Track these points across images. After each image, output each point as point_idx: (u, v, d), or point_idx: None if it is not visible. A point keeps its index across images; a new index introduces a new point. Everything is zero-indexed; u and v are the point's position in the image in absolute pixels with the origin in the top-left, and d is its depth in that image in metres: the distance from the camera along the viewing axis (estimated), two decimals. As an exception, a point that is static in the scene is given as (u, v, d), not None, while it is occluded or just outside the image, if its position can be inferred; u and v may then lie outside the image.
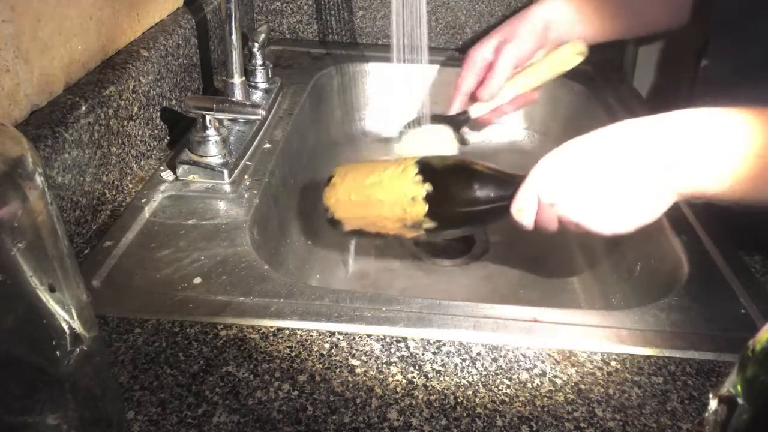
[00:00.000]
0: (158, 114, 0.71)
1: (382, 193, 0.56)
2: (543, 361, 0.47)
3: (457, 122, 0.78)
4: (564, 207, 0.52)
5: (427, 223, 0.56)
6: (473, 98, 0.77)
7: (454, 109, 0.78)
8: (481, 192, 0.55)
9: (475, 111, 0.77)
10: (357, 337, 0.48)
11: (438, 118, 0.80)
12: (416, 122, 0.81)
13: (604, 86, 0.96)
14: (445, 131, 0.78)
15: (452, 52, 1.06)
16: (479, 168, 0.56)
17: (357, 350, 0.47)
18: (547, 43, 0.75)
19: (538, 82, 0.76)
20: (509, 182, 0.55)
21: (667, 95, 1.10)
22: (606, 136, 0.52)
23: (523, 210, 0.53)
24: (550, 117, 0.99)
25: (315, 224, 0.83)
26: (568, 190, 0.52)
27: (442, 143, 0.77)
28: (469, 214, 0.56)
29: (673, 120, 0.51)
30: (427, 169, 0.56)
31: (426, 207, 0.55)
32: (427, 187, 0.55)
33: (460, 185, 0.55)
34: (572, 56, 0.76)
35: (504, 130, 1.00)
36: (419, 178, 0.55)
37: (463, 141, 0.80)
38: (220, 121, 0.68)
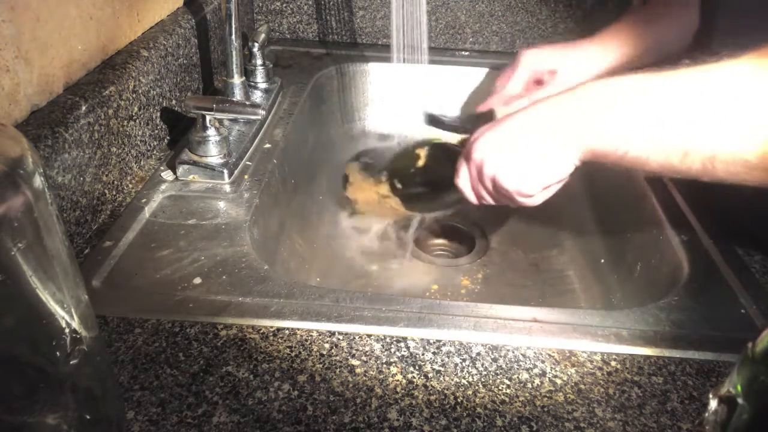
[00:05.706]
0: (158, 114, 0.71)
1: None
2: (543, 361, 0.47)
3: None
4: (487, 167, 0.60)
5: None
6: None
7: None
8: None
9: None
10: (357, 337, 0.48)
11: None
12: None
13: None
14: None
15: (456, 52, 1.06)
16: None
17: (357, 350, 0.47)
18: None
19: None
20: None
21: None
22: (518, 114, 0.60)
23: (460, 177, 0.65)
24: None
25: (315, 224, 0.83)
26: (488, 152, 0.60)
27: None
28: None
29: (582, 88, 0.56)
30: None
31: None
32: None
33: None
34: None
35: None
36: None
37: None
38: (220, 121, 0.68)
